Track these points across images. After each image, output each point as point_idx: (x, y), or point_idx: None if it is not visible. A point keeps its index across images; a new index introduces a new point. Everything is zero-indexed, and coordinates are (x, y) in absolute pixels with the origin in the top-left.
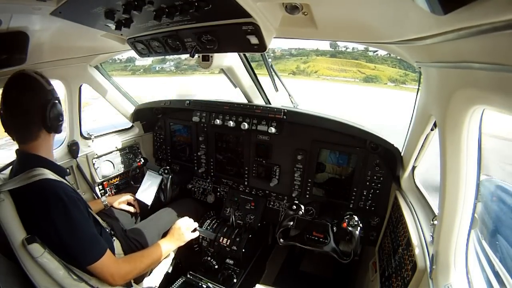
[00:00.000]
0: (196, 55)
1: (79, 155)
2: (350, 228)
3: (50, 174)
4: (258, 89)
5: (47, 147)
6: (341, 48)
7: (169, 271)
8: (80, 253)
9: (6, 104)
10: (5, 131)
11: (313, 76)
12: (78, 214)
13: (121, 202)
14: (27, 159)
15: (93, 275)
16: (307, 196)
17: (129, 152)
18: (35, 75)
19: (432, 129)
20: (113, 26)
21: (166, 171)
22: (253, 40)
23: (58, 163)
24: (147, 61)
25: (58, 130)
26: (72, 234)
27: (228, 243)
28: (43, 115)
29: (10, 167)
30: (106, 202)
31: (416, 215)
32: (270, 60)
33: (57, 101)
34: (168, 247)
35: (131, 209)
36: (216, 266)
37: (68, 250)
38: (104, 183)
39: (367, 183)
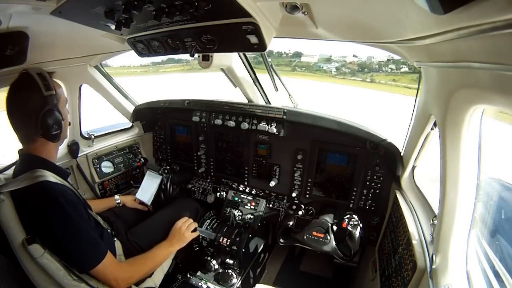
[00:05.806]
0: (196, 55)
1: (79, 155)
2: (350, 228)
3: (50, 176)
4: (258, 89)
5: (48, 150)
6: None
7: (169, 271)
8: (80, 258)
9: (6, 103)
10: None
11: None
12: (77, 217)
13: (135, 202)
14: (29, 160)
15: (94, 276)
16: (307, 196)
17: (129, 152)
18: (36, 76)
19: (432, 129)
20: (113, 26)
21: (166, 171)
22: (253, 39)
23: (58, 164)
24: (313, 58)
25: (53, 139)
26: (71, 238)
27: (228, 243)
28: (36, 121)
29: (13, 167)
30: (120, 201)
31: (416, 214)
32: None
33: (53, 109)
34: (170, 249)
35: (145, 208)
36: (216, 266)
37: (68, 254)
38: (104, 183)
39: (367, 183)
